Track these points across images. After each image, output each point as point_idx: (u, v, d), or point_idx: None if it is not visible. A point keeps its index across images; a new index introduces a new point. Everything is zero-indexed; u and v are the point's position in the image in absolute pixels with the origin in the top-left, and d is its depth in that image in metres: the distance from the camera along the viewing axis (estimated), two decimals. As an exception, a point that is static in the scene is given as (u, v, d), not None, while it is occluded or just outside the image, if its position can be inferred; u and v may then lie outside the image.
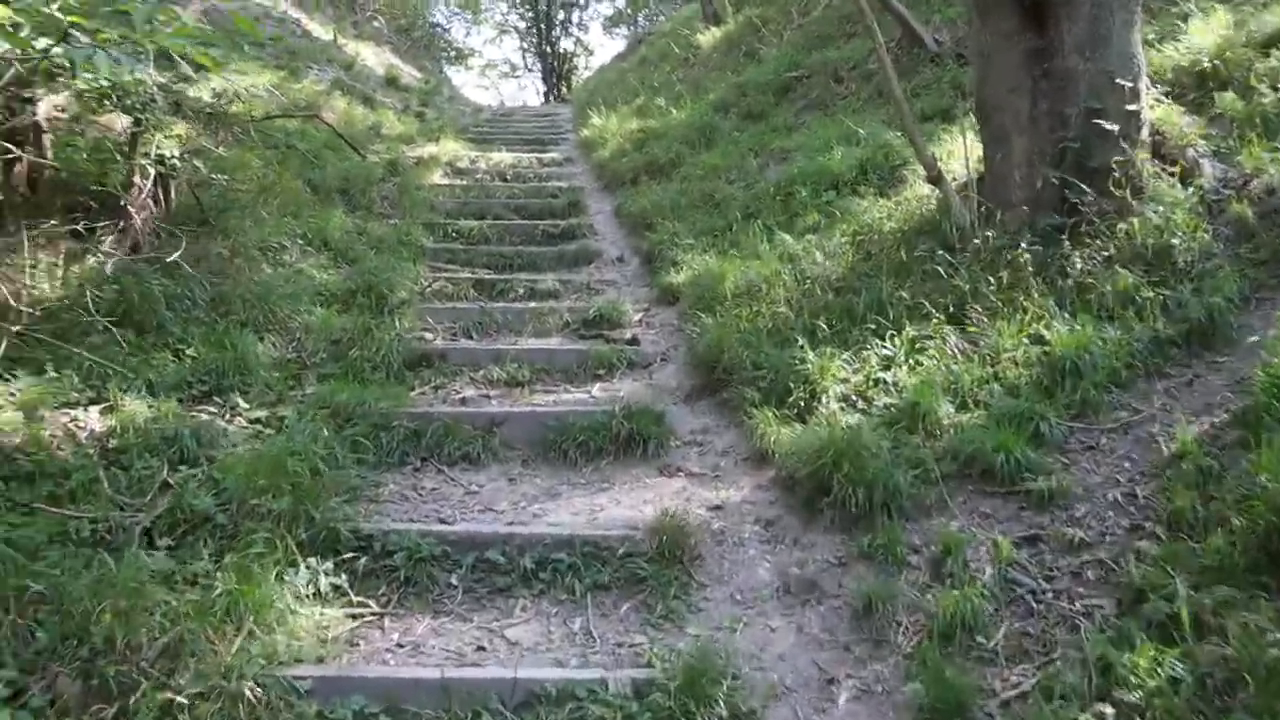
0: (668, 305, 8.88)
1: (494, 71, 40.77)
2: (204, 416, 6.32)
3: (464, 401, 7.04)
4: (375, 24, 25.12)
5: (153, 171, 7.89)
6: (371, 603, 4.80)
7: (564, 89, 35.36)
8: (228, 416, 6.40)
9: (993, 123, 7.25)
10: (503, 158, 15.18)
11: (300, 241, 9.68)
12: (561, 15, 37.37)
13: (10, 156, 7.67)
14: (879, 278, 7.09)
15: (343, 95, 16.23)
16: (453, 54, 36.00)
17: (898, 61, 11.89)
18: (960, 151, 7.91)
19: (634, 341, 8.01)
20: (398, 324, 8.18)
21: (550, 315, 8.63)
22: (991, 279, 6.36)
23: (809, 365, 6.09)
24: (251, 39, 17.45)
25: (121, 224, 7.86)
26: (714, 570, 4.93)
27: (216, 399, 6.59)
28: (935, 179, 7.65)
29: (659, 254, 9.65)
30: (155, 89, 7.82)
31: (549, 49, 37.45)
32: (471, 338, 8.47)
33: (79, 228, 7.66)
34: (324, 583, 4.77)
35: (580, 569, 4.90)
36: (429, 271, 9.99)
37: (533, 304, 9.08)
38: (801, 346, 6.30)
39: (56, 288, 7.20)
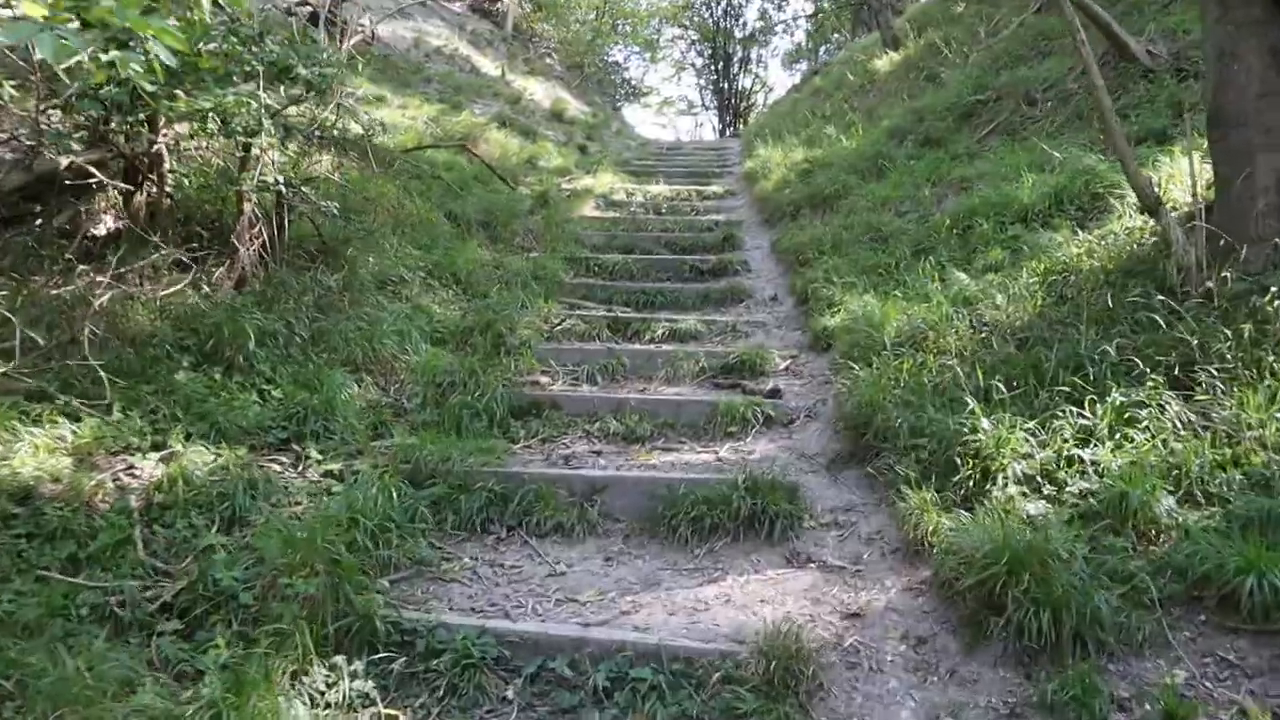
0: (820, 352, 7.70)
1: (671, 108, 40.37)
2: (275, 467, 5.55)
3: (568, 460, 6.03)
4: (548, 60, 24.79)
5: (255, 198, 7.21)
6: (403, 716, 3.80)
7: (740, 125, 34.48)
8: (300, 467, 5.58)
9: (1231, 138, 5.82)
10: (660, 190, 14.28)
11: (425, 274, 8.95)
12: (740, 52, 36.62)
13: (128, 188, 7.19)
14: (1076, 327, 5.75)
15: (501, 128, 15.69)
16: (628, 91, 35.68)
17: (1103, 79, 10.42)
18: (1182, 176, 6.50)
19: (775, 394, 6.85)
20: (513, 365, 7.29)
21: (685, 360, 7.56)
22: (1228, 332, 4.94)
23: (981, 436, 4.82)
24: (416, 74, 17.31)
25: (230, 255, 7.24)
26: (839, 708, 3.70)
27: (295, 447, 5.81)
28: (1152, 208, 6.27)
29: (814, 293, 8.48)
30: (268, 112, 7.15)
31: (726, 85, 36.72)
32: (595, 383, 7.48)
33: (185, 258, 7.08)
34: (347, 688, 3.81)
35: (664, 693, 3.77)
36: (561, 308, 9.10)
37: (667, 346, 8.04)
38: (973, 411, 5.04)
39: (153, 321, 6.57)
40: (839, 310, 7.74)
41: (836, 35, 33.72)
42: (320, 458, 5.59)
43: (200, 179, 7.66)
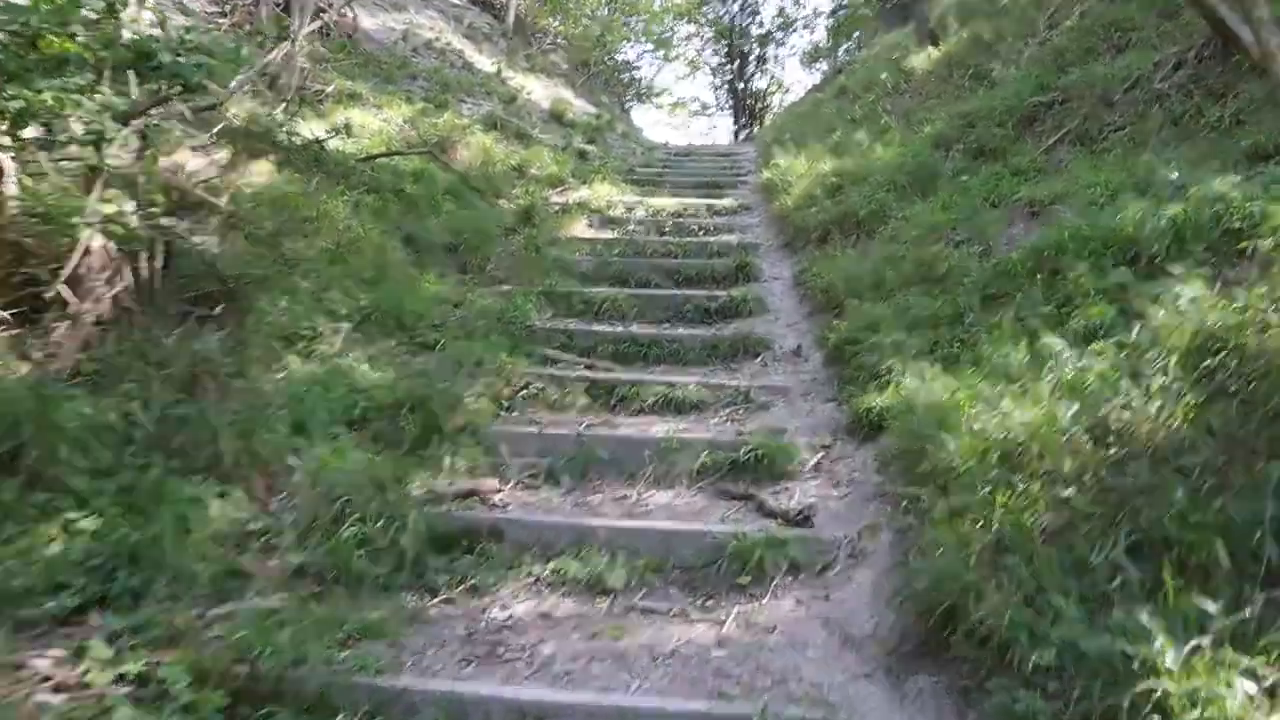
0: (862, 440, 5.71)
1: (683, 110, 38.20)
2: (38, 666, 3.56)
3: (495, 650, 3.98)
4: (552, 58, 22.77)
5: (100, 238, 5.23)
6: None
7: (755, 127, 32.38)
8: (77, 670, 3.58)
9: None
10: (665, 204, 12.24)
11: (360, 319, 6.98)
12: (756, 51, 34.49)
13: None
14: (1253, 448, 3.71)
15: (490, 131, 13.69)
16: (639, 91, 33.59)
17: (1200, 78, 8.35)
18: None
19: (805, 520, 4.83)
20: (449, 462, 5.31)
21: (682, 453, 5.55)
22: None
23: (1167, 685, 2.77)
24: (400, 70, 15.31)
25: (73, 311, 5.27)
26: None
27: (91, 620, 3.84)
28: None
29: (852, 354, 6.48)
30: (111, 113, 5.15)
31: (741, 86, 34.59)
32: (559, 484, 5.49)
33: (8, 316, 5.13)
34: None
35: None
36: (530, 365, 7.10)
37: (660, 427, 6.03)
38: (1138, 617, 3.00)
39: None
40: (887, 383, 5.74)
41: (858, 33, 31.56)
42: (109, 655, 3.57)
43: (36, 202, 5.64)
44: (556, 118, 17.36)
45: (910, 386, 5.55)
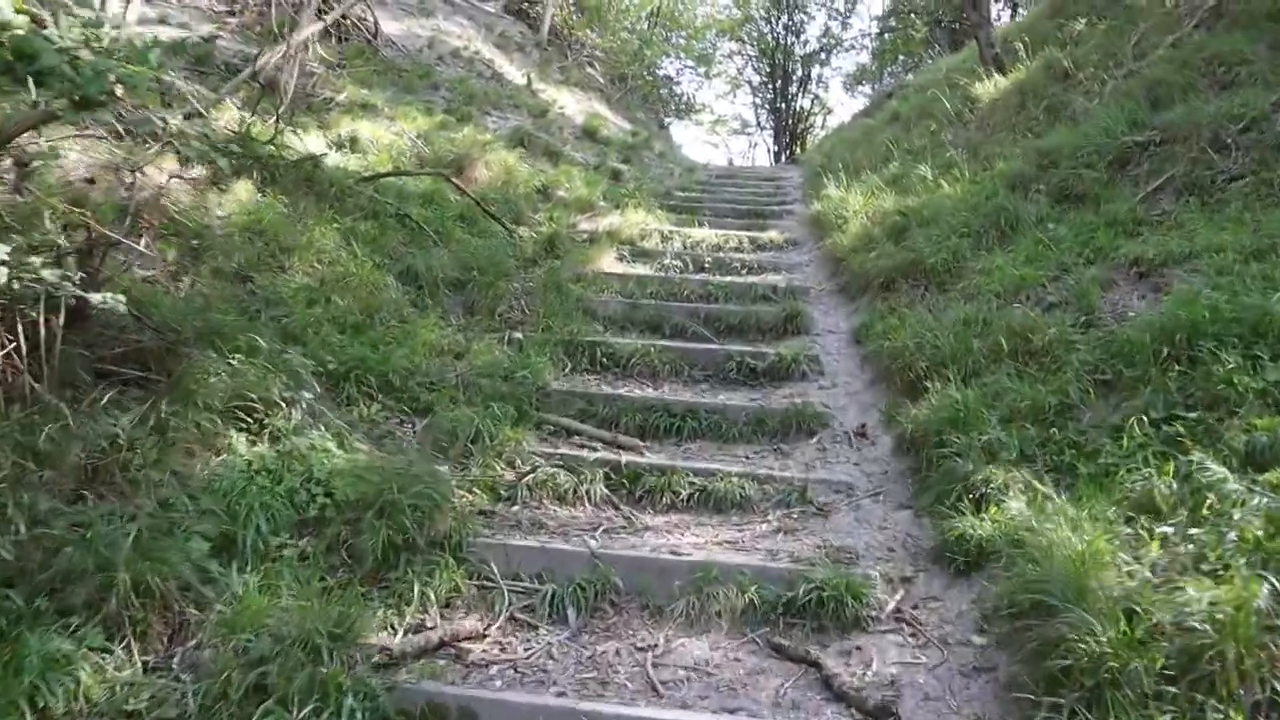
0: (955, 577, 4.39)
1: (724, 127, 36.89)
2: None
3: None
4: (588, 70, 21.56)
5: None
6: None
7: (797, 149, 31.02)
8: None
9: None
10: (704, 236, 10.95)
11: (338, 378, 5.75)
12: (800, 70, 33.15)
13: None
14: None
15: (515, 147, 12.43)
16: (678, 106, 32.31)
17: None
18: None
19: (885, 712, 3.48)
20: (417, 592, 4.04)
21: (722, 584, 4.24)
22: None
23: None
24: (422, 79, 14.13)
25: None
26: None
27: None
28: None
29: (934, 452, 5.16)
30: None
31: (784, 106, 33.22)
32: (563, 623, 4.20)
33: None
34: None
35: None
36: (539, 439, 5.86)
37: (693, 537, 4.76)
38: None
39: None
40: (983, 500, 4.44)
41: (903, 57, 30.18)
42: None
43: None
44: (590, 134, 16.12)
45: (1017, 512, 4.25)
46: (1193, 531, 3.77)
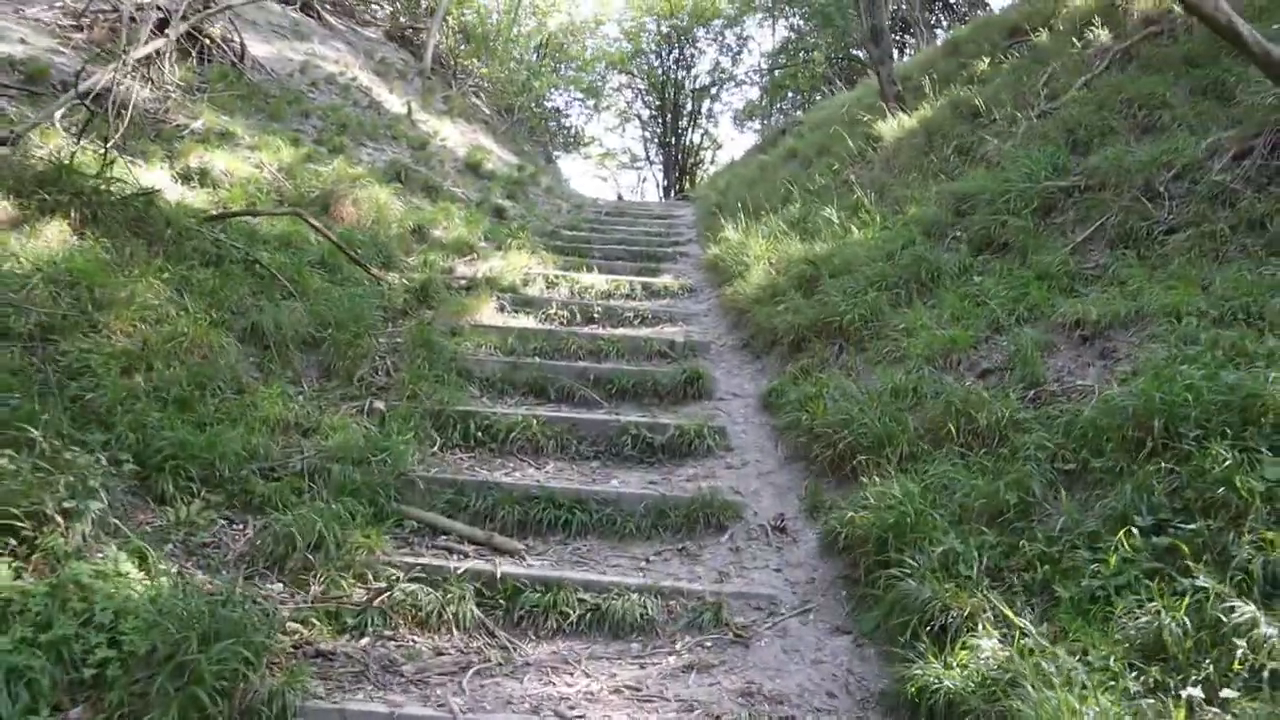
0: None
1: (613, 161, 36.08)
2: None
3: None
4: (474, 100, 20.47)
5: None
6: None
7: (687, 184, 30.38)
8: None
9: None
10: (594, 282, 9.97)
11: (150, 472, 4.58)
12: (690, 105, 32.55)
13: None
14: None
15: (390, 183, 11.29)
16: (567, 139, 31.36)
17: (1277, 171, 6.44)
18: None
19: None
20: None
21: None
22: None
23: None
24: (292, 105, 12.89)
25: None
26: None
27: None
28: None
29: (877, 562, 4.26)
30: None
31: (673, 140, 32.57)
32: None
33: None
34: None
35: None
36: (396, 546, 4.78)
37: (584, 683, 3.77)
38: None
39: None
40: (952, 639, 3.54)
41: (793, 94, 29.85)
42: None
43: None
44: (473, 168, 15.04)
45: (990, 654, 3.35)
46: (1228, 695, 2.92)
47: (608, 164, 35.91)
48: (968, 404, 5.13)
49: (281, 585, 4.31)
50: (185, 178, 8.59)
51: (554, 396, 7.05)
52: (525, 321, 8.62)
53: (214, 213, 7.74)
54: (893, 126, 11.40)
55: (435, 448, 5.95)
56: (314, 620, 4.02)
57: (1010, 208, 7.64)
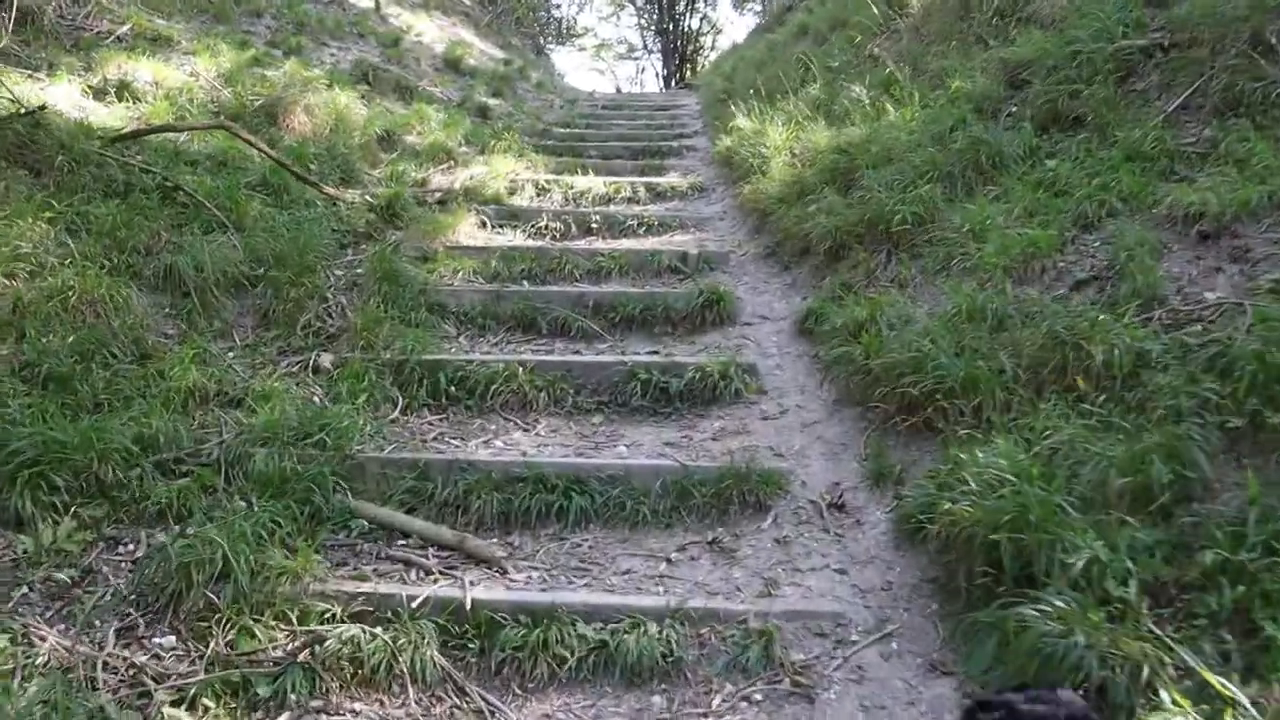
0: None
1: (609, 52, 34.00)
2: None
3: None
4: (454, -10, 18.73)
5: None
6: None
7: (688, 72, 28.50)
8: None
9: None
10: (590, 186, 8.61)
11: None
12: (686, -13, 30.40)
13: None
14: None
15: (354, 85, 9.85)
16: (558, 31, 29.38)
17: None
18: None
19: None
20: None
21: None
22: None
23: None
24: (241, 3, 11.39)
25: None
26: None
27: None
28: None
29: (982, 574, 3.04)
30: None
31: (671, 26, 30.49)
32: None
33: None
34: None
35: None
36: (334, 564, 3.59)
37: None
38: None
39: None
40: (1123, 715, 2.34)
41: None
42: None
43: None
44: (453, 65, 13.52)
45: None
46: None
47: (604, 55, 33.90)
48: (1075, 330, 3.85)
49: (175, 638, 3.13)
50: (101, 92, 7.25)
51: (546, 330, 5.80)
52: (511, 238, 7.34)
53: (124, 131, 6.40)
54: (920, -11, 9.82)
55: (396, 411, 4.73)
56: (206, 700, 2.85)
57: (1080, 75, 6.22)
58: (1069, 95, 6.13)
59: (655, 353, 5.37)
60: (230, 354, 5.07)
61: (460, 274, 6.43)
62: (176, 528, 3.57)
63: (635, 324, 5.83)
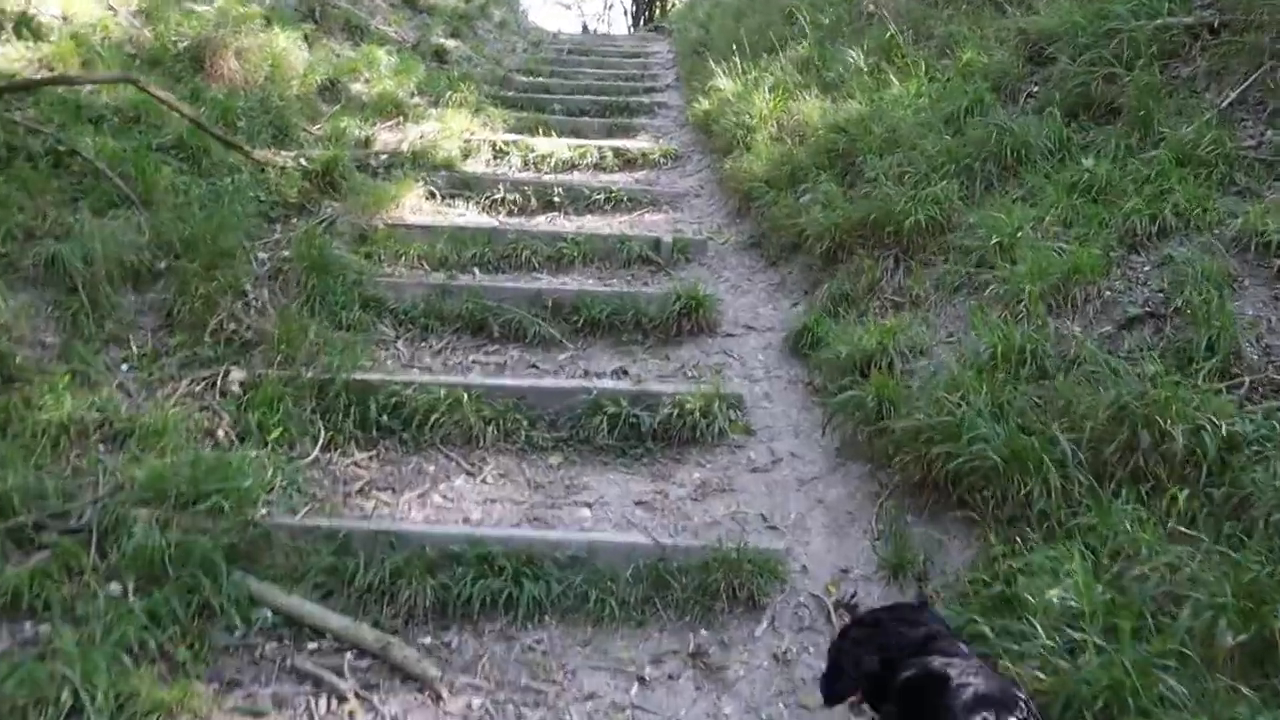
0: None
1: (576, -15, 32.54)
2: None
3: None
4: (413, -84, 17.40)
5: None
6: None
7: (657, 10, 27.23)
8: None
9: None
10: (553, 149, 7.72)
11: None
12: (657, -82, 28.91)
13: None
14: None
15: (294, 26, 8.79)
16: (524, -39, 27.86)
17: None
18: None
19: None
20: None
21: None
22: None
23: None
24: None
25: None
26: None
27: None
28: None
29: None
30: None
31: (641, -40, 29.12)
32: None
33: None
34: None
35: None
36: (216, 691, 2.77)
37: None
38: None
39: None
40: None
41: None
42: None
43: None
44: (409, 2, 12.39)
45: None
46: None
47: (570, -12, 32.42)
48: (1147, 400, 3.11)
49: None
50: (-5, 28, 6.22)
51: (498, 334, 5.00)
52: (463, 212, 6.49)
53: (14, 81, 5.42)
54: (921, -60, 8.90)
55: (317, 449, 3.91)
56: None
57: (1116, 55, 5.43)
58: (1103, 79, 5.34)
59: (624, 372, 4.59)
60: (123, 367, 4.22)
61: (403, 259, 5.59)
62: (28, 627, 2.77)
63: (601, 330, 5.03)
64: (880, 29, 7.77)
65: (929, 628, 2.25)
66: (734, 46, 9.20)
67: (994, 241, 4.45)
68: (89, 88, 5.89)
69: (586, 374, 4.54)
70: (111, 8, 7.34)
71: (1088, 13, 5.86)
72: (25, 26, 6.44)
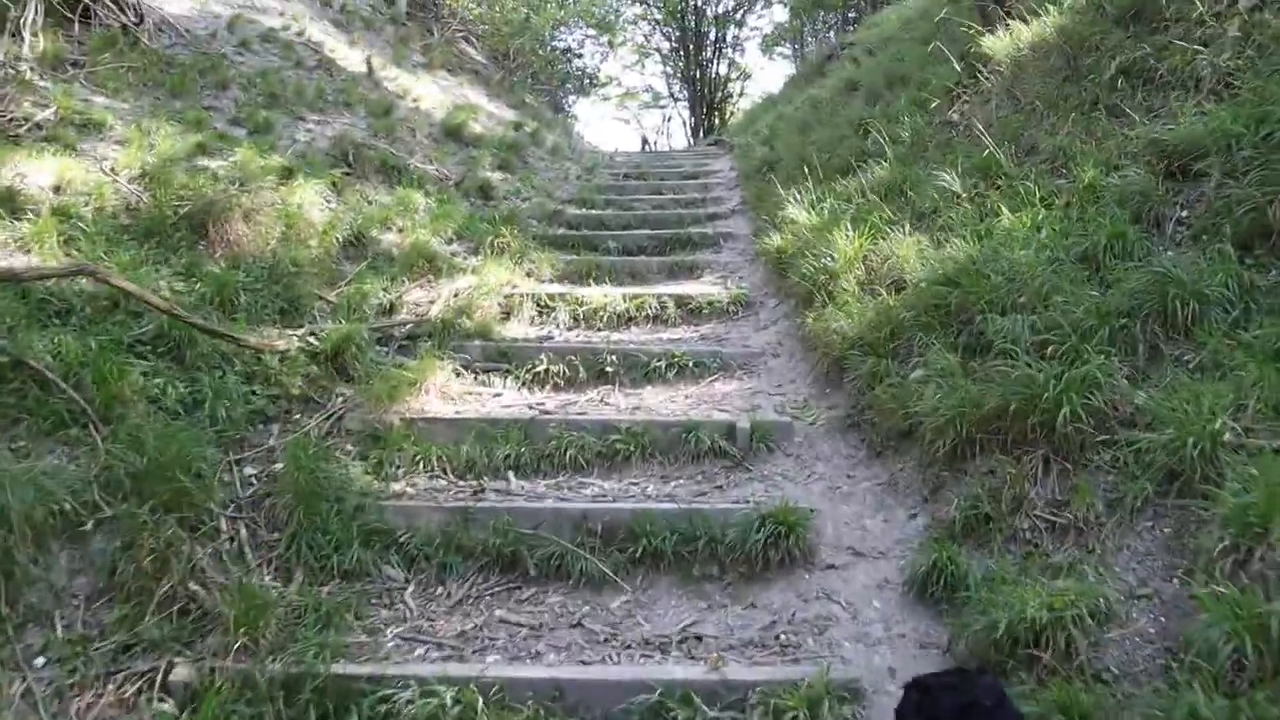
0: None
1: (634, 101, 32.17)
2: None
3: None
4: (463, 47, 17.00)
5: None
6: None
7: (716, 120, 26.65)
8: None
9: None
10: (605, 300, 6.71)
11: None
12: (713, 33, 28.53)
13: None
14: None
15: (323, 172, 7.97)
16: (581, 82, 27.58)
17: None
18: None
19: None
20: None
21: None
22: None
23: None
24: (207, 74, 9.62)
25: None
26: None
27: None
28: None
29: None
30: None
31: (697, 73, 28.61)
32: None
33: None
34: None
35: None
36: None
37: None
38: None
39: None
40: None
41: (823, 12, 25.80)
42: None
43: None
44: (454, 134, 11.66)
45: None
46: None
47: (629, 104, 32.12)
48: None
49: None
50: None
51: (534, 572, 3.89)
52: (498, 392, 5.46)
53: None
54: (1006, 42, 7.83)
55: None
56: None
57: (1288, 172, 4.23)
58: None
59: (697, 639, 3.40)
60: (39, 660, 3.17)
61: (420, 467, 4.53)
62: None
63: (665, 562, 3.88)
64: (971, 143, 6.69)
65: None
66: (803, 165, 8.18)
67: (1191, 444, 3.22)
68: (57, 284, 4.99)
69: (646, 644, 3.37)
70: (112, 172, 6.59)
71: (1248, 118, 4.68)
72: (11, 202, 5.67)
